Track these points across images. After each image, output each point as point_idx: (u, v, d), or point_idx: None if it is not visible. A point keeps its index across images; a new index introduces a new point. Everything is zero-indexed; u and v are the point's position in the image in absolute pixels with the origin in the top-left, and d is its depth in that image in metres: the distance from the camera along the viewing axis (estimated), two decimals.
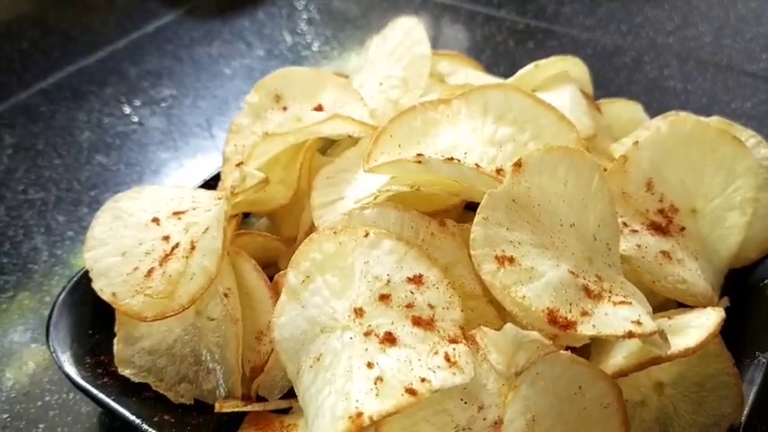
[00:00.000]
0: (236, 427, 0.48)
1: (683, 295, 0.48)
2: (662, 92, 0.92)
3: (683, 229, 0.51)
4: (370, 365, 0.39)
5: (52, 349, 0.50)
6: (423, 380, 0.38)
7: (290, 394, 0.48)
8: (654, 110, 0.67)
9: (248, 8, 1.16)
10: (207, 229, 0.50)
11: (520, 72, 0.61)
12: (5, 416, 0.55)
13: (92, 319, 0.53)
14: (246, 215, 0.61)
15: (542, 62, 0.60)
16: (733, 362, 0.45)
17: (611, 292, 0.42)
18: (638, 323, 0.39)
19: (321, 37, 1.09)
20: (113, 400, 0.48)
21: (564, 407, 0.39)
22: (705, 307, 0.47)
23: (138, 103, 0.93)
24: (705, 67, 0.96)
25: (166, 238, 0.51)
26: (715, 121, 0.56)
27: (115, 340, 0.51)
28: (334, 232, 0.44)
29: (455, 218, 0.48)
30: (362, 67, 0.66)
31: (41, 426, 0.54)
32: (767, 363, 0.47)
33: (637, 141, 0.52)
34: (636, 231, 0.50)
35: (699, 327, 0.43)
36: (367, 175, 0.49)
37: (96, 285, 0.50)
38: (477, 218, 0.42)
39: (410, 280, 0.42)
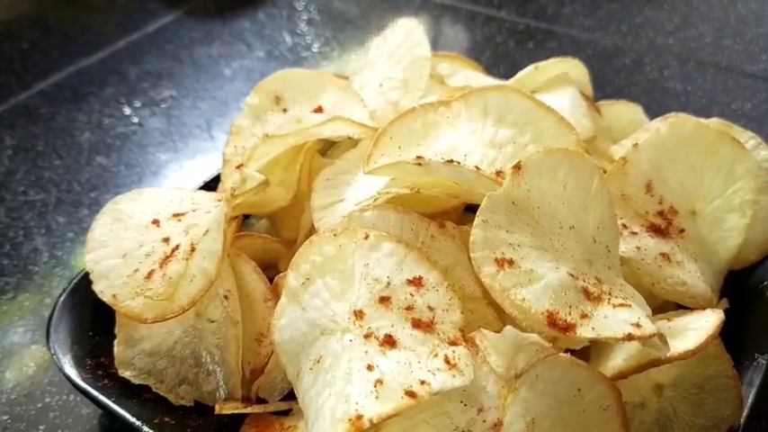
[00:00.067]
0: (236, 428, 0.48)
1: (683, 297, 0.48)
2: (662, 93, 0.92)
3: (682, 230, 0.51)
4: (369, 368, 0.39)
5: (53, 351, 0.50)
6: (422, 382, 0.38)
7: (291, 396, 0.48)
8: (654, 111, 0.67)
9: (248, 9, 1.16)
10: (207, 231, 0.50)
11: (520, 74, 0.61)
12: (5, 417, 0.55)
13: (92, 320, 0.53)
14: (246, 217, 0.61)
15: (542, 64, 0.61)
16: (732, 364, 0.45)
17: (610, 294, 0.42)
18: (638, 325, 0.39)
19: (321, 38, 1.09)
20: (114, 401, 0.48)
21: (563, 409, 0.39)
22: (704, 309, 0.47)
23: (138, 104, 0.93)
24: (705, 68, 0.96)
25: (166, 240, 0.52)
26: (715, 122, 0.56)
27: (115, 342, 0.51)
28: (334, 234, 0.44)
29: (455, 220, 0.48)
30: (362, 68, 0.66)
31: (42, 427, 0.54)
32: (766, 364, 0.47)
33: (636, 143, 0.52)
34: (635, 233, 0.50)
35: (698, 329, 0.43)
36: (367, 176, 0.49)
37: (97, 287, 0.50)
38: (477, 220, 0.42)
39: (410, 282, 0.43)
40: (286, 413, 0.48)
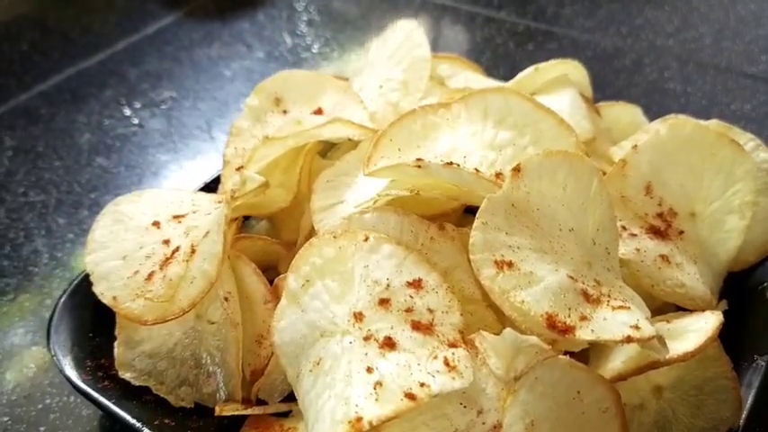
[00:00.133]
0: (236, 430, 0.48)
1: (682, 299, 0.49)
2: (662, 94, 0.92)
3: (681, 232, 0.51)
4: (369, 370, 0.39)
5: (53, 352, 0.50)
6: (422, 384, 0.38)
7: (291, 397, 0.48)
8: (653, 112, 0.67)
9: (248, 10, 1.16)
10: (207, 232, 0.50)
11: (519, 75, 0.61)
12: (6, 419, 0.55)
13: (92, 322, 0.53)
14: (246, 218, 0.61)
15: (542, 65, 0.61)
16: (731, 366, 0.45)
17: (609, 296, 0.42)
18: (637, 328, 0.39)
19: (321, 38, 1.09)
20: (114, 403, 0.48)
21: (562, 411, 0.39)
22: (704, 310, 0.48)
23: (138, 105, 0.93)
24: (705, 69, 0.96)
25: (167, 242, 0.52)
26: (714, 124, 0.56)
27: (116, 344, 0.51)
28: (334, 236, 0.44)
29: (454, 222, 0.48)
30: (362, 69, 0.67)
31: (42, 429, 0.54)
32: (765, 366, 0.47)
33: (636, 145, 0.52)
34: (635, 235, 0.50)
35: (697, 331, 0.44)
36: (367, 178, 0.49)
37: (97, 289, 0.50)
38: (477, 222, 0.42)
39: (409, 284, 0.43)
40: (286, 415, 0.48)
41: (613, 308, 0.41)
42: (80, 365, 0.51)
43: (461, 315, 0.42)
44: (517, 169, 0.43)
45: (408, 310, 0.42)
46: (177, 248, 0.51)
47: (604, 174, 0.50)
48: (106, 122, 0.90)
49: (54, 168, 0.82)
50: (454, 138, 0.51)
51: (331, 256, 0.44)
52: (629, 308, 0.41)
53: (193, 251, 0.50)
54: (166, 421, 0.48)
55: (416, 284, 0.43)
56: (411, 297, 0.42)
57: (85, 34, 1.09)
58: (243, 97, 0.91)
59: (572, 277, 0.42)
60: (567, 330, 0.39)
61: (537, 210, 0.44)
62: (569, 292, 0.41)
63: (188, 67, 1.02)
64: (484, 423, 0.39)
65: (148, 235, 0.52)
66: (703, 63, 0.97)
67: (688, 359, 0.42)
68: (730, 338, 0.46)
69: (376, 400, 0.38)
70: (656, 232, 0.50)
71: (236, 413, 0.48)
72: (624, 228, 0.50)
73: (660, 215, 0.51)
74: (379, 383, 0.38)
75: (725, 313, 0.47)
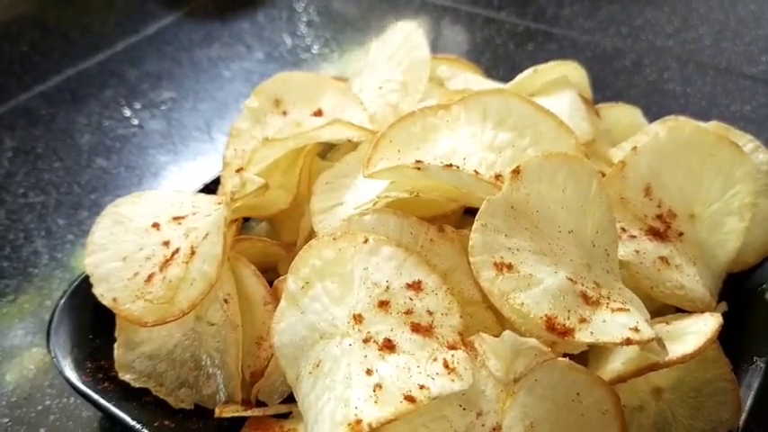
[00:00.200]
0: (235, 431, 0.48)
1: (682, 301, 0.49)
2: (661, 95, 0.92)
3: (681, 234, 0.51)
4: (369, 372, 0.39)
5: (53, 354, 0.50)
6: (421, 387, 0.38)
7: (290, 399, 0.48)
8: (653, 113, 0.67)
9: (248, 10, 1.16)
10: (207, 234, 0.50)
11: (519, 77, 0.61)
12: (6, 420, 0.55)
13: (92, 323, 0.53)
14: (246, 219, 0.61)
15: (541, 67, 0.61)
16: (731, 368, 0.45)
17: (609, 298, 0.42)
18: (636, 330, 0.39)
19: (321, 39, 1.09)
20: (114, 405, 0.48)
21: (562, 413, 0.39)
22: (703, 312, 0.48)
23: (137, 105, 0.93)
24: (705, 70, 0.96)
25: (166, 244, 0.52)
26: (713, 125, 0.56)
27: (115, 345, 0.51)
28: (334, 238, 0.44)
29: (454, 223, 0.48)
30: (362, 70, 0.67)
31: (42, 430, 0.54)
32: (765, 367, 0.47)
33: (635, 147, 0.52)
34: (634, 237, 0.50)
35: (697, 333, 0.44)
36: (366, 180, 0.49)
37: (97, 291, 0.50)
38: (476, 224, 0.42)
39: (409, 286, 0.43)
40: (286, 416, 0.48)
41: (613, 310, 0.41)
42: (80, 367, 0.51)
43: (461, 317, 0.42)
44: (517, 171, 0.44)
45: (408, 312, 0.42)
46: (177, 250, 0.51)
47: (604, 175, 0.50)
48: (106, 123, 0.90)
49: (54, 169, 0.82)
50: (454, 139, 0.51)
51: (330, 257, 0.44)
52: (628, 310, 0.41)
53: (193, 253, 0.50)
54: (166, 423, 0.48)
55: (416, 286, 0.43)
56: (410, 299, 0.42)
57: (85, 34, 1.09)
58: (242, 98, 0.91)
59: (571, 279, 0.42)
60: (567, 332, 0.39)
61: (536, 212, 0.44)
62: (569, 295, 0.41)
63: (188, 67, 1.02)
64: (483, 425, 0.39)
65: (148, 236, 0.52)
66: (703, 64, 0.97)
67: (687, 361, 0.42)
68: (730, 340, 0.46)
69: (375, 402, 0.38)
70: (656, 234, 0.50)
71: (235, 415, 0.48)
72: (623, 229, 0.50)
73: (659, 217, 0.51)
74: (378, 386, 0.38)
75: (724, 315, 0.47)
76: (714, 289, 0.51)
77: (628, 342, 0.39)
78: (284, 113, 0.61)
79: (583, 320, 0.40)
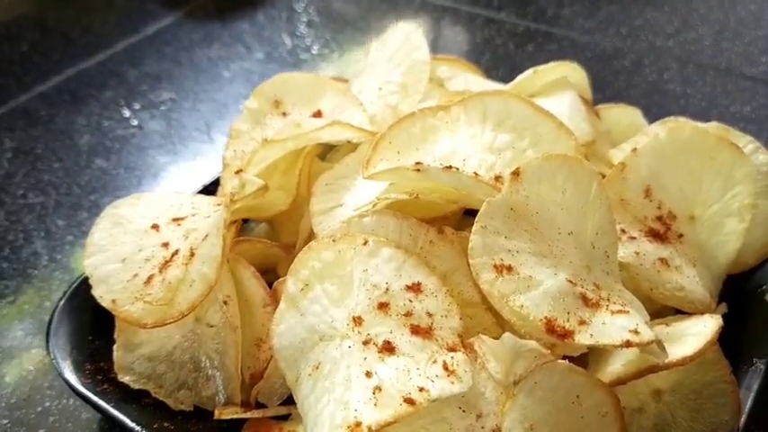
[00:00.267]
0: None
1: (681, 302, 0.49)
2: (661, 95, 0.92)
3: (681, 235, 0.51)
4: (368, 374, 0.39)
5: (52, 356, 0.50)
6: (421, 389, 0.38)
7: (290, 401, 0.48)
8: (653, 113, 0.67)
9: (248, 11, 1.16)
10: (206, 236, 0.50)
11: (519, 78, 0.61)
12: (5, 421, 0.55)
13: (91, 325, 0.53)
14: (246, 221, 0.61)
15: (541, 68, 0.61)
16: (730, 369, 0.45)
17: (608, 300, 0.42)
18: (636, 332, 0.39)
19: (320, 39, 1.09)
20: (113, 406, 0.48)
21: (561, 416, 0.39)
22: (703, 314, 0.48)
23: (137, 106, 0.93)
24: (705, 71, 0.96)
25: (166, 245, 0.52)
26: (713, 127, 0.56)
27: (115, 347, 0.51)
28: (333, 240, 0.44)
29: (454, 225, 0.48)
30: (362, 71, 0.66)
31: (41, 431, 0.54)
32: (765, 369, 0.47)
33: (635, 148, 0.52)
34: (634, 238, 0.50)
35: (696, 334, 0.44)
36: (366, 181, 0.49)
37: (96, 292, 0.50)
38: (476, 226, 0.42)
39: (409, 288, 0.43)
40: (285, 418, 0.48)
41: (612, 312, 0.41)
42: (79, 368, 0.51)
43: (460, 319, 0.42)
44: (516, 173, 0.43)
45: (407, 314, 0.42)
46: (176, 251, 0.51)
47: (604, 177, 0.50)
48: (106, 124, 0.90)
49: (53, 170, 0.82)
50: (453, 140, 0.51)
51: (330, 259, 0.44)
52: (628, 312, 0.41)
53: (192, 254, 0.50)
54: (165, 424, 0.48)
55: (415, 288, 0.43)
56: (410, 301, 0.42)
57: (85, 35, 1.09)
58: (242, 98, 0.91)
59: (571, 281, 0.42)
60: (566, 335, 0.39)
61: (536, 213, 0.44)
62: (568, 297, 0.41)
63: (187, 68, 1.02)
64: (483, 427, 0.39)
65: (147, 238, 0.52)
66: (703, 64, 0.97)
67: (687, 363, 0.42)
68: (729, 341, 0.46)
69: (375, 404, 0.38)
70: (656, 235, 0.50)
71: (235, 416, 0.48)
72: (623, 231, 0.50)
73: (659, 218, 0.51)
74: (378, 388, 0.38)
75: (724, 316, 0.47)
76: (714, 290, 0.51)
77: (627, 344, 0.39)
78: (284, 114, 0.61)
79: (582, 322, 0.40)
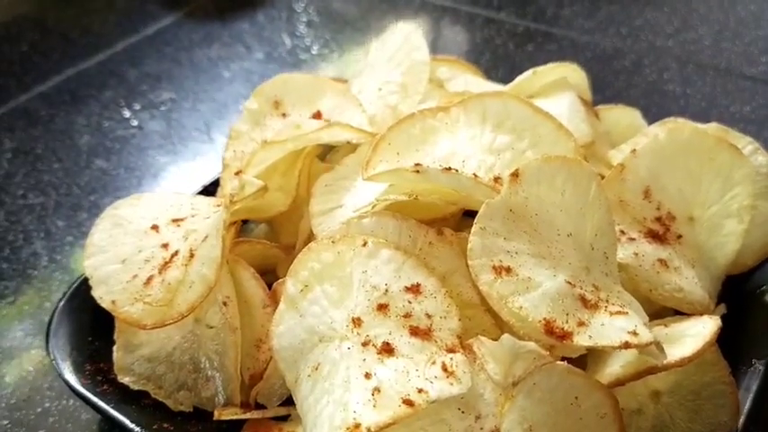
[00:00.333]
0: None
1: (680, 303, 0.49)
2: (661, 95, 0.92)
3: (680, 236, 0.51)
4: (367, 376, 0.39)
5: (52, 356, 0.50)
6: (420, 390, 0.38)
7: (289, 401, 0.48)
8: (653, 113, 0.67)
9: (247, 11, 1.16)
10: (206, 237, 0.50)
11: (518, 79, 0.61)
12: (5, 422, 0.55)
13: (91, 326, 0.53)
14: (245, 221, 0.61)
15: (540, 69, 0.60)
16: (729, 371, 0.45)
17: (607, 301, 0.42)
18: (635, 333, 0.39)
19: (320, 39, 1.09)
20: (113, 407, 0.48)
21: (560, 417, 0.39)
22: (702, 315, 0.48)
23: (137, 106, 0.93)
24: (704, 71, 0.96)
25: (165, 246, 0.52)
26: (713, 127, 0.56)
27: (114, 348, 0.51)
28: (333, 241, 0.44)
29: (453, 226, 0.48)
30: (361, 71, 0.66)
31: None
32: (763, 370, 0.47)
33: (634, 149, 0.52)
34: (633, 239, 0.50)
35: (695, 336, 0.44)
36: (366, 182, 0.49)
37: (96, 293, 0.50)
38: (475, 228, 0.42)
39: (408, 289, 0.43)
40: (285, 419, 0.48)
41: (611, 313, 0.41)
42: (79, 369, 0.51)
43: (459, 320, 0.42)
44: (515, 174, 0.43)
45: (406, 316, 0.42)
46: (176, 252, 0.51)
47: (603, 178, 0.50)
48: (106, 124, 0.90)
49: (53, 170, 0.82)
50: (453, 141, 0.51)
51: (329, 261, 0.44)
52: (626, 313, 0.41)
53: (192, 255, 0.50)
54: (165, 425, 0.48)
55: (415, 289, 0.43)
56: (409, 302, 0.42)
57: (85, 35, 1.09)
58: (242, 99, 0.92)
59: (570, 282, 0.42)
60: (565, 336, 0.39)
61: (535, 215, 0.44)
62: (567, 298, 0.41)
63: (187, 68, 1.02)
64: (482, 428, 0.39)
65: (147, 239, 0.52)
66: (703, 64, 0.97)
67: (686, 364, 0.42)
68: (728, 342, 0.46)
69: (374, 406, 0.38)
70: (655, 236, 0.50)
71: (234, 417, 0.48)
72: (622, 232, 0.50)
73: (658, 219, 0.51)
74: (377, 389, 0.38)
75: (723, 317, 0.47)
76: (713, 291, 0.51)
77: (626, 345, 0.39)
78: (283, 115, 0.61)
79: (581, 324, 0.40)
